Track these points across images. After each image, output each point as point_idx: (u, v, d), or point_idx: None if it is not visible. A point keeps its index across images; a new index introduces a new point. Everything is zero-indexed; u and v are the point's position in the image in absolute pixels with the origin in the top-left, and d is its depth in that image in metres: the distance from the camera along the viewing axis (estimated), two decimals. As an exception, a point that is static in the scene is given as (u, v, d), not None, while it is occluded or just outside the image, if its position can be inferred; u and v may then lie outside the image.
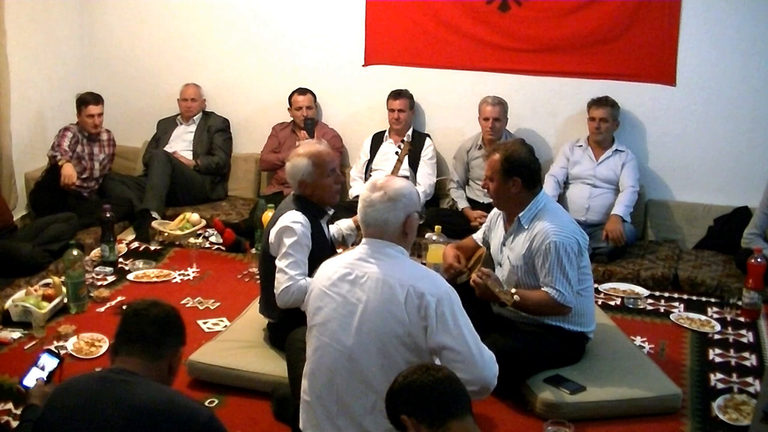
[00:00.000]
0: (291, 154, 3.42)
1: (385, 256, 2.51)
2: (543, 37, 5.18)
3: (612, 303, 4.29)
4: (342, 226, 3.70)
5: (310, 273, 3.22)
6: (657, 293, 4.42)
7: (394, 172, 4.00)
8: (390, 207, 2.51)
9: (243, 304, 3.96)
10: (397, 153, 4.17)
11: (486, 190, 3.46)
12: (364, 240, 2.58)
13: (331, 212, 3.49)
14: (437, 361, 2.45)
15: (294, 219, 3.25)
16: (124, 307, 2.23)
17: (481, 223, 4.14)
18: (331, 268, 2.58)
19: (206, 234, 5.16)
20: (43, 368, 2.68)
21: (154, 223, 5.09)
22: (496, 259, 3.51)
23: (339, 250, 3.45)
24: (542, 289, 3.24)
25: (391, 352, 2.42)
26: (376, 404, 2.40)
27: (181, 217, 5.11)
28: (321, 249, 3.30)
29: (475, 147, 5.24)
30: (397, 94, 5.35)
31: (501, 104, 5.10)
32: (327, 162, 3.35)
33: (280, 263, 3.21)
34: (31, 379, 2.61)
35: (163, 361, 2.14)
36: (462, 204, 5.18)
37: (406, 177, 5.12)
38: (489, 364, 2.46)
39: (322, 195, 3.37)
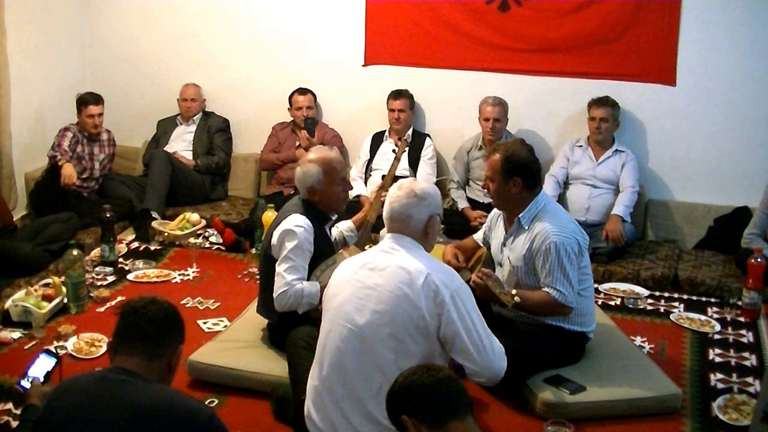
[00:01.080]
0: (301, 160, 3.42)
1: (405, 248, 2.61)
2: (543, 37, 5.18)
3: (612, 303, 4.29)
4: (342, 227, 3.71)
5: (309, 275, 3.24)
6: (657, 293, 4.42)
7: (391, 170, 3.99)
8: (415, 203, 2.63)
9: (243, 304, 3.96)
10: (394, 151, 4.15)
11: (486, 191, 3.46)
12: (387, 235, 2.67)
13: (334, 218, 3.51)
14: (447, 351, 2.54)
15: (297, 223, 3.25)
16: (123, 304, 2.21)
17: (481, 223, 4.15)
18: (354, 261, 2.69)
19: (206, 234, 5.16)
20: (40, 368, 2.68)
21: (154, 223, 5.09)
22: (496, 259, 3.51)
23: (340, 251, 3.46)
24: (543, 289, 3.24)
25: (403, 336, 2.49)
26: (382, 387, 2.41)
27: (181, 217, 5.11)
28: (324, 254, 3.30)
29: (475, 147, 5.24)
30: (397, 94, 5.35)
31: (501, 105, 5.10)
32: (338, 171, 3.35)
33: (279, 267, 3.21)
34: (28, 380, 2.61)
35: (163, 360, 2.14)
36: (462, 204, 5.18)
37: (406, 177, 5.12)
38: (498, 356, 2.58)
39: (330, 202, 3.37)
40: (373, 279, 2.57)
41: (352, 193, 5.27)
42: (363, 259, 2.67)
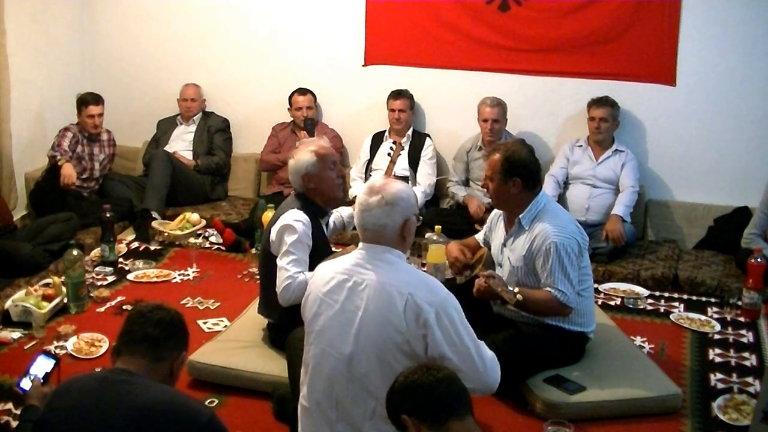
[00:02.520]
0: (293, 152, 3.44)
1: (383, 262, 2.46)
2: (543, 37, 5.18)
3: (612, 303, 4.29)
4: (343, 213, 3.72)
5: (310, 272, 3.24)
6: (657, 293, 4.42)
7: (387, 173, 3.99)
8: (388, 211, 2.46)
9: (243, 304, 3.96)
10: (389, 154, 4.11)
11: (486, 191, 3.46)
12: (361, 245, 2.53)
13: (331, 213, 3.53)
14: None
15: (295, 217, 3.25)
16: (130, 308, 2.23)
17: (482, 216, 4.12)
18: (328, 273, 2.54)
19: (206, 234, 5.16)
20: (39, 370, 2.68)
21: (154, 223, 5.09)
22: (496, 260, 3.51)
23: (335, 250, 3.46)
24: (545, 289, 3.23)
25: (390, 360, 2.39)
26: (375, 410, 2.39)
27: (181, 217, 5.11)
28: (320, 249, 3.30)
29: (475, 148, 5.24)
30: (397, 94, 5.35)
31: (500, 105, 5.10)
32: (329, 155, 3.40)
33: (281, 262, 3.21)
34: (27, 381, 2.61)
35: (165, 364, 2.15)
36: (462, 193, 5.15)
37: (406, 177, 5.13)
38: (491, 370, 2.46)
39: (325, 189, 3.38)
40: (354, 301, 2.43)
41: (351, 193, 5.28)
42: (338, 273, 2.49)
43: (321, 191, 3.37)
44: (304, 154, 3.36)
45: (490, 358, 2.47)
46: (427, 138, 5.40)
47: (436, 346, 2.36)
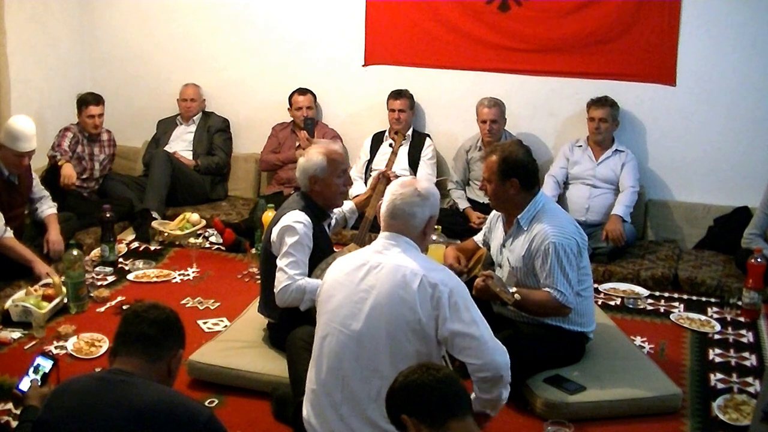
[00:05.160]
0: (306, 150, 3.45)
1: (400, 248, 2.57)
2: (543, 37, 5.18)
3: (612, 303, 4.29)
4: (344, 208, 3.72)
5: (310, 274, 3.24)
6: (657, 293, 4.42)
7: (389, 165, 4.00)
8: (419, 202, 2.60)
9: (243, 304, 3.96)
10: (391, 145, 4.13)
11: (485, 192, 3.46)
12: (383, 234, 2.63)
13: (333, 216, 3.54)
14: (447, 351, 2.54)
15: (296, 219, 3.26)
16: (124, 308, 2.22)
17: (482, 224, 4.15)
18: (346, 262, 2.64)
19: (206, 234, 5.16)
20: (37, 371, 2.68)
21: (154, 223, 5.09)
22: (495, 260, 3.51)
23: (336, 250, 3.46)
24: (544, 290, 3.23)
25: (400, 339, 2.46)
26: (381, 391, 2.40)
27: (181, 217, 5.11)
28: (322, 251, 3.31)
29: (474, 147, 5.24)
30: (397, 94, 5.35)
31: (497, 105, 5.09)
32: (340, 162, 3.39)
33: (280, 262, 3.22)
34: (26, 383, 2.62)
35: (163, 363, 2.15)
36: (463, 204, 5.18)
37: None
38: (500, 350, 2.53)
39: (329, 195, 3.38)
40: (368, 281, 2.53)
41: (352, 192, 5.27)
42: (356, 259, 2.62)
43: (324, 196, 3.38)
44: (316, 155, 3.34)
45: (501, 345, 2.56)
46: (427, 138, 5.40)
47: (449, 323, 2.45)
